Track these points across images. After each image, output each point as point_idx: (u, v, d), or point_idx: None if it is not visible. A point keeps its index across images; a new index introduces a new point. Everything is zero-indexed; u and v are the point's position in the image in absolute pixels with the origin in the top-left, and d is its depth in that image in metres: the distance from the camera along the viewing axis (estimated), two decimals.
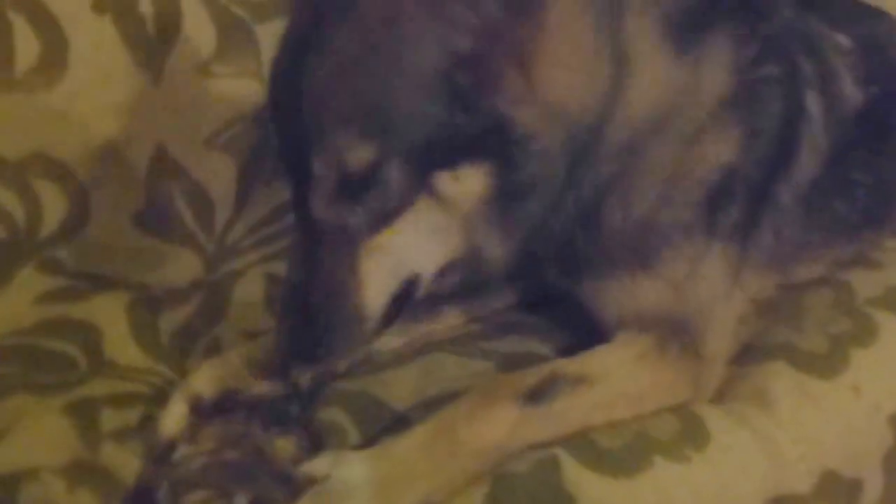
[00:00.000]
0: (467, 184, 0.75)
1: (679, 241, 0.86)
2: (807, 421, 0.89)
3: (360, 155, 0.71)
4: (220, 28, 1.11)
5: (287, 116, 0.75)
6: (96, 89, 1.01)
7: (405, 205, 0.74)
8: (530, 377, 0.81)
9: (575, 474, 0.76)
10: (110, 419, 0.79)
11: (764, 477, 0.84)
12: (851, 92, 1.01)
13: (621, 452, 0.79)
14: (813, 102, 0.95)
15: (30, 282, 0.97)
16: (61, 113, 0.99)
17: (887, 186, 1.11)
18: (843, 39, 1.06)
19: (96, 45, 1.01)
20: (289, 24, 0.78)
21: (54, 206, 0.99)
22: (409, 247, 0.77)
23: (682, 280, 0.86)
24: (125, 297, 0.95)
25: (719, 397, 0.89)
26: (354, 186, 0.72)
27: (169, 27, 1.07)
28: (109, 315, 0.92)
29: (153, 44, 1.05)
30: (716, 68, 0.86)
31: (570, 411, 0.80)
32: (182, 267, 1.07)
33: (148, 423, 0.79)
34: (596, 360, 0.85)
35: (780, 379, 0.91)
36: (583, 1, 0.77)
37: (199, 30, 1.09)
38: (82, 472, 0.75)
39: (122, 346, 0.88)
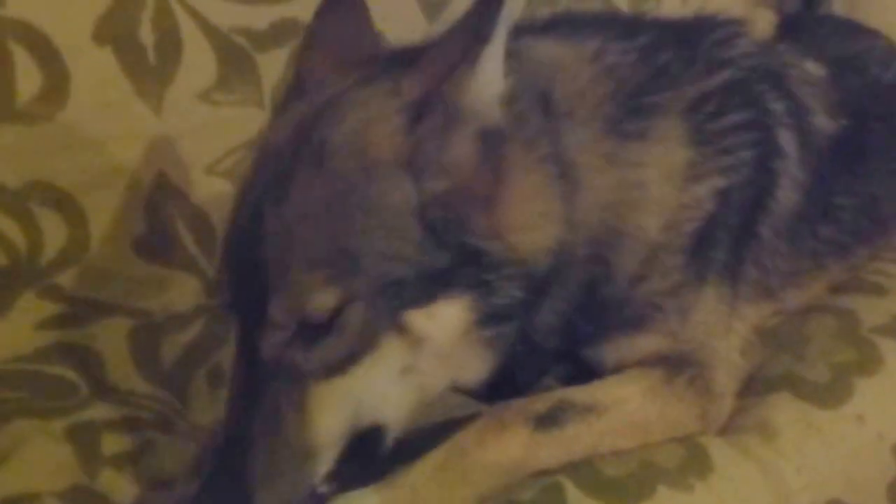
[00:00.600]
0: (443, 320, 0.74)
1: (669, 302, 0.88)
2: (810, 450, 0.91)
3: (323, 299, 0.70)
4: (221, 57, 1.15)
5: (244, 262, 0.73)
6: (97, 118, 1.04)
7: (368, 347, 0.72)
8: (540, 403, 0.83)
9: (579, 501, 0.78)
10: (111, 444, 0.81)
11: None
12: (823, 122, 1.05)
13: (625, 480, 0.81)
14: (786, 140, 0.99)
15: (30, 308, 0.99)
16: (62, 142, 1.02)
17: (871, 206, 1.15)
18: (813, 67, 1.10)
19: (97, 74, 1.05)
20: (246, 177, 0.78)
21: (55, 233, 1.02)
22: (370, 393, 0.74)
23: (678, 329, 0.89)
24: (126, 323, 0.97)
25: (723, 429, 0.91)
26: (311, 331, 0.71)
27: (170, 56, 1.10)
28: (110, 341, 0.95)
29: (154, 73, 1.09)
30: (670, 143, 0.88)
31: (580, 438, 0.82)
32: (183, 293, 1.09)
33: (148, 448, 0.81)
34: (605, 390, 0.87)
35: (783, 409, 0.94)
36: (533, 144, 0.78)
37: (199, 58, 1.13)
38: (81, 497, 0.76)
39: (123, 371, 0.90)
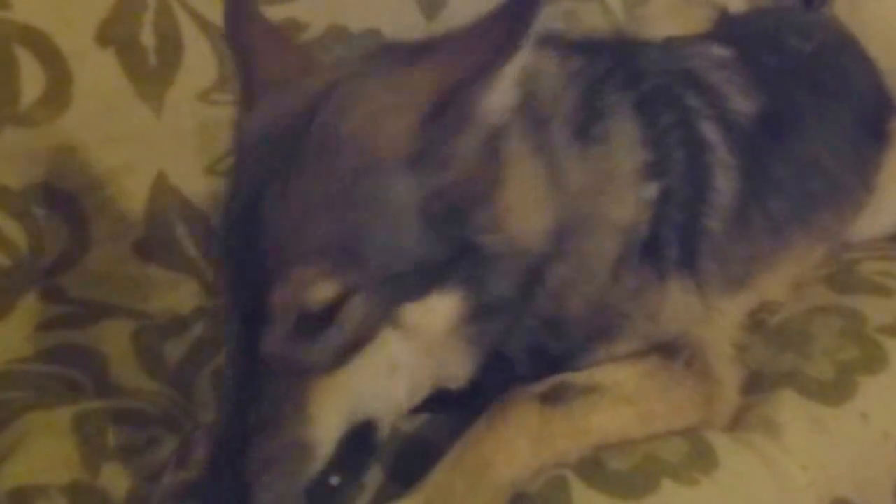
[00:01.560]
0: (437, 313, 0.77)
1: (634, 306, 0.92)
2: (815, 448, 0.95)
3: (324, 291, 0.72)
4: (221, 58, 1.19)
5: (243, 258, 0.75)
6: (99, 120, 1.09)
7: (366, 340, 0.75)
8: (540, 386, 0.86)
9: (584, 495, 0.82)
10: (115, 437, 0.84)
11: (772, 503, 0.90)
12: (741, 104, 1.10)
13: (630, 474, 0.84)
14: (710, 131, 1.03)
15: (33, 309, 1.03)
16: (64, 144, 1.07)
17: (814, 172, 1.19)
18: (719, 51, 1.16)
19: (100, 77, 1.10)
20: (236, 170, 0.81)
21: (56, 234, 1.06)
22: (367, 387, 0.77)
23: (650, 332, 0.93)
24: (129, 324, 1.01)
25: (728, 426, 0.94)
26: (313, 324, 0.73)
27: (171, 58, 1.15)
28: (114, 342, 0.98)
29: (155, 75, 1.14)
30: (628, 144, 0.93)
31: (587, 417, 0.86)
32: (184, 294, 1.12)
33: (153, 444, 0.85)
34: (602, 373, 0.91)
35: (788, 406, 0.97)
36: (527, 136, 0.83)
37: (200, 60, 1.18)
38: (83, 492, 0.80)
39: (127, 372, 0.94)
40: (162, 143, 1.14)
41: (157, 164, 1.14)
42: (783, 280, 1.17)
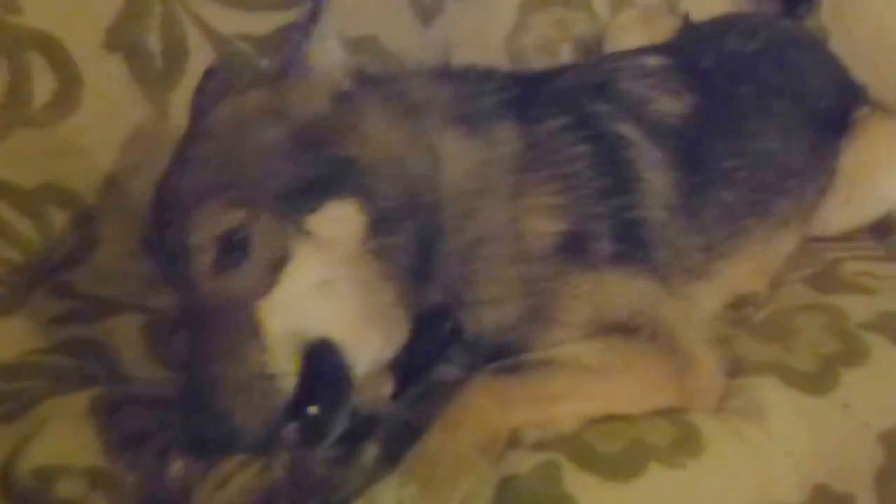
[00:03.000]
0: (339, 220, 0.90)
1: (561, 290, 1.00)
2: (799, 435, 0.99)
3: (232, 216, 0.87)
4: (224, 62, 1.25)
5: (163, 215, 0.91)
6: (106, 122, 1.16)
7: (286, 257, 0.88)
8: (497, 364, 0.94)
9: (575, 477, 0.87)
10: (129, 422, 0.90)
11: (757, 487, 0.94)
12: (668, 104, 1.20)
13: (618, 456, 0.89)
14: (627, 129, 1.13)
15: (44, 304, 1.09)
16: (73, 145, 1.14)
17: (764, 162, 1.27)
18: (652, 60, 1.27)
19: (108, 81, 1.17)
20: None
21: (65, 232, 1.13)
22: (304, 302, 0.88)
23: (590, 316, 1.00)
24: (138, 318, 1.07)
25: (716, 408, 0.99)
26: (235, 252, 0.87)
27: (176, 62, 1.22)
28: (124, 335, 1.04)
29: (161, 78, 1.21)
30: (508, 138, 1.04)
31: (544, 383, 0.93)
32: None
33: (166, 429, 0.90)
34: (559, 350, 0.98)
35: (773, 394, 1.02)
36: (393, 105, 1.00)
37: (204, 64, 1.20)
38: (100, 475, 0.86)
39: (139, 363, 1.00)
40: (167, 144, 1.19)
41: (161, 165, 1.19)
42: (751, 269, 1.24)
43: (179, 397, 0.86)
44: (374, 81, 1.01)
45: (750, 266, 1.24)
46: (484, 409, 0.89)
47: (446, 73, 1.13)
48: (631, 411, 0.95)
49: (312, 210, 0.89)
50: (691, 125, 1.20)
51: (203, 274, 0.87)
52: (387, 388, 0.97)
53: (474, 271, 0.99)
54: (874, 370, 1.08)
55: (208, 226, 0.86)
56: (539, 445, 0.90)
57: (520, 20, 1.51)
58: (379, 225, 0.92)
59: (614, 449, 0.90)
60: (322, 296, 0.90)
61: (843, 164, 1.39)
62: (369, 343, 0.92)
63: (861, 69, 1.53)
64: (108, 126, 1.16)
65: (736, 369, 1.05)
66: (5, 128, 1.11)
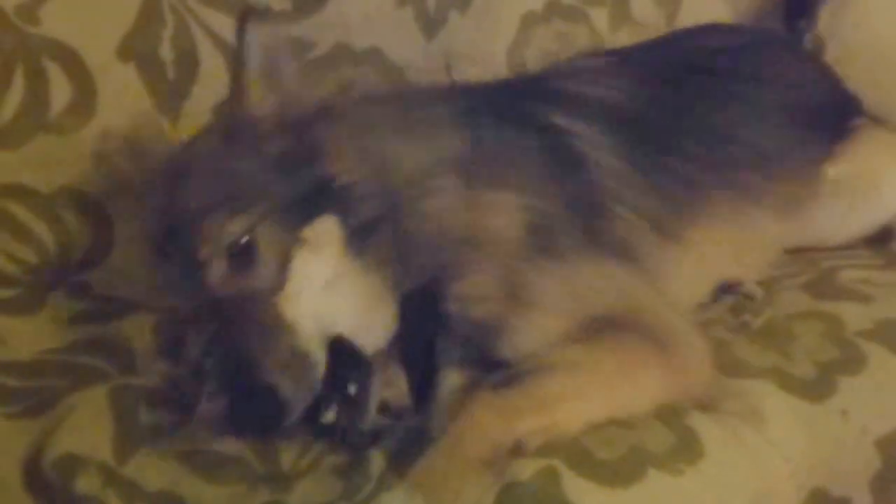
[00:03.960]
0: (326, 231, 0.99)
1: (533, 274, 1.03)
2: (797, 441, 1.01)
3: (236, 224, 0.94)
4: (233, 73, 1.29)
5: (171, 231, 0.97)
6: (121, 130, 1.16)
7: (289, 259, 0.96)
8: (495, 377, 0.97)
9: (573, 482, 0.88)
10: (146, 417, 0.94)
11: (755, 493, 0.96)
12: (607, 94, 1.25)
13: (617, 463, 0.90)
14: (567, 122, 1.18)
15: (61, 304, 1.12)
16: (90, 151, 1.16)
17: (730, 140, 1.30)
18: (592, 62, 1.35)
19: (122, 89, 1.19)
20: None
21: (81, 235, 1.15)
22: (315, 299, 0.97)
23: (569, 302, 1.03)
24: (151, 318, 1.09)
25: (714, 408, 1.00)
26: (244, 257, 0.94)
27: (187, 72, 1.24)
28: (138, 335, 1.07)
29: (173, 87, 1.23)
30: (453, 142, 1.09)
31: (543, 386, 0.94)
32: None
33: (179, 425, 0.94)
34: (550, 353, 0.99)
35: (772, 400, 1.03)
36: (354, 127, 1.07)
37: (214, 73, 1.26)
38: (113, 473, 0.88)
39: (152, 361, 1.03)
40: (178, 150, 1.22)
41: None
42: (729, 248, 1.26)
43: (218, 383, 0.92)
44: (328, 109, 1.07)
45: (723, 240, 1.26)
46: (487, 424, 0.91)
47: (398, 93, 1.23)
48: (628, 402, 0.97)
49: (304, 223, 0.98)
50: (635, 109, 1.24)
51: (219, 280, 0.94)
52: (401, 382, 1.02)
53: (451, 263, 1.03)
54: (871, 378, 1.10)
55: (216, 237, 0.94)
56: (539, 452, 0.90)
57: (521, 34, 1.53)
58: (358, 233, 1.00)
59: (613, 455, 0.91)
60: (327, 292, 0.98)
61: (840, 173, 1.39)
62: (370, 330, 1.00)
63: (858, 79, 1.53)
64: (123, 132, 1.16)
65: (735, 370, 1.07)
66: (25, 133, 1.13)
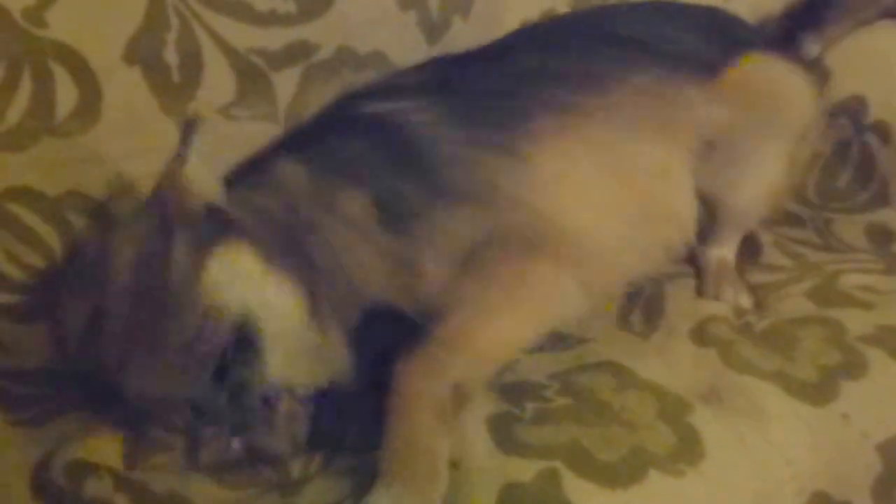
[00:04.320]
0: (241, 255, 1.00)
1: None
2: (799, 444, 1.01)
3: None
4: (239, 75, 1.29)
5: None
6: (126, 133, 1.18)
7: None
8: (405, 351, 0.96)
9: (574, 484, 0.89)
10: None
11: (756, 495, 0.96)
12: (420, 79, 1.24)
13: (617, 465, 0.91)
14: (373, 106, 1.18)
15: None
16: (95, 154, 1.16)
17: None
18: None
19: (127, 92, 1.19)
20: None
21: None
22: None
23: (450, 249, 1.02)
24: None
25: (718, 401, 1.02)
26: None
27: (192, 75, 1.24)
28: None
29: (178, 91, 1.23)
30: (292, 175, 1.10)
31: (448, 330, 0.96)
32: None
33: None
34: (444, 301, 1.00)
35: (774, 402, 1.04)
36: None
37: (219, 77, 1.27)
38: (123, 479, 0.89)
39: None
40: None
41: None
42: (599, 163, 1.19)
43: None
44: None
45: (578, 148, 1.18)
46: (418, 389, 0.92)
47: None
48: (538, 306, 1.00)
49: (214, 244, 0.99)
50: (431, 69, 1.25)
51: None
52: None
53: (349, 265, 1.03)
54: (873, 382, 1.10)
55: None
56: (539, 453, 0.92)
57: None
58: (271, 256, 1.00)
59: (614, 456, 0.92)
60: (303, 362, 0.99)
61: None
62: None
63: (857, 83, 1.55)
64: (128, 136, 1.19)
65: (739, 368, 1.08)
66: (31, 136, 1.14)
